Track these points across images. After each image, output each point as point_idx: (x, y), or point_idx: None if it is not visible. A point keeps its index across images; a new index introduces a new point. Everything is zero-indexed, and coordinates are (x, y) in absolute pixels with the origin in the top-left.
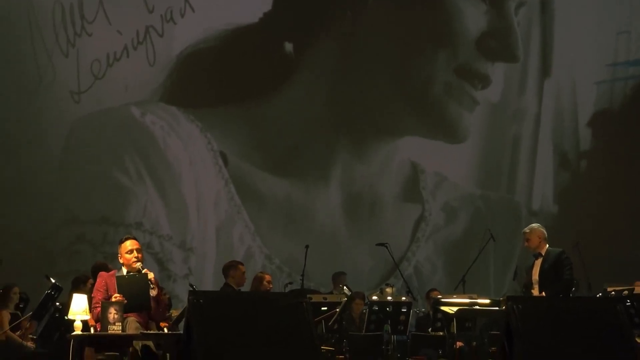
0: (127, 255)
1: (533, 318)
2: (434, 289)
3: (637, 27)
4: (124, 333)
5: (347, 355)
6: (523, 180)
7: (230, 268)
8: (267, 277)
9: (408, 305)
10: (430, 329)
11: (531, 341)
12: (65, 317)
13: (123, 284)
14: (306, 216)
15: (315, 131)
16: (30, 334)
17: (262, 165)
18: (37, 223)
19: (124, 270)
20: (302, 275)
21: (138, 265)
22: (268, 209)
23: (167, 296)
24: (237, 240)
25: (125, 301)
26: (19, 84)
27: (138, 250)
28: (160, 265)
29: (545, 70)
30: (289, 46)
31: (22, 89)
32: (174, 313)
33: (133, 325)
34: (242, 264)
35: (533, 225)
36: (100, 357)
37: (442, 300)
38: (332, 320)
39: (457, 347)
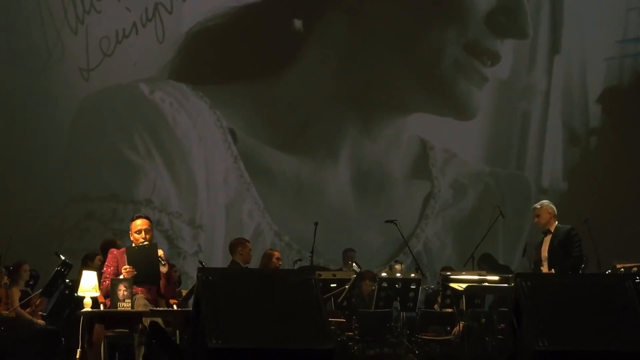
0: (136, 235)
1: (542, 295)
2: (447, 267)
3: None
4: (134, 310)
5: (356, 332)
6: (532, 157)
7: (237, 245)
8: (277, 254)
9: (417, 282)
10: (435, 305)
11: (540, 318)
12: (75, 294)
13: (132, 255)
14: (315, 193)
15: (324, 108)
16: (40, 310)
17: (271, 142)
18: (46, 200)
19: None
20: (312, 252)
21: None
22: (277, 186)
23: (177, 273)
24: (247, 217)
25: (135, 272)
26: (28, 61)
27: (147, 231)
28: (170, 243)
29: (554, 46)
30: (297, 23)
31: (31, 66)
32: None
33: (141, 302)
34: (248, 241)
35: (543, 201)
36: (109, 333)
37: (451, 277)
38: (342, 297)
39: (461, 327)
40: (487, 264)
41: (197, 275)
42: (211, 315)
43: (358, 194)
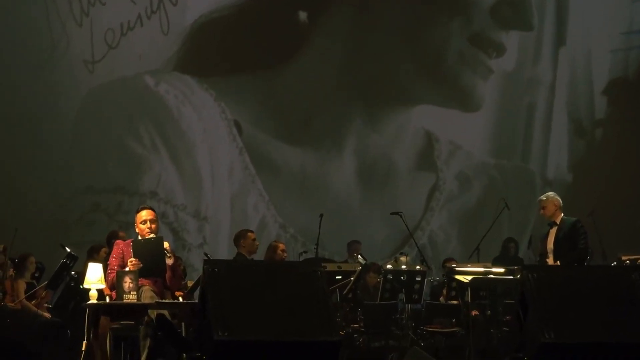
0: (141, 226)
1: (548, 287)
2: (450, 259)
3: None
4: (139, 302)
5: (362, 324)
6: (538, 149)
7: (239, 237)
8: (281, 246)
9: (422, 274)
10: (440, 297)
11: (546, 310)
12: (81, 286)
13: (139, 248)
14: (320, 185)
15: (329, 100)
16: (46, 303)
17: (276, 135)
18: (52, 192)
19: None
20: (317, 244)
21: (151, 236)
22: (282, 178)
23: (182, 267)
24: (252, 209)
25: (141, 265)
26: (33, 53)
27: (152, 221)
28: (175, 235)
29: (560, 38)
30: (302, 15)
31: (36, 59)
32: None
33: (148, 294)
34: (251, 231)
35: (549, 193)
36: (115, 325)
37: (457, 269)
38: (347, 289)
39: (473, 315)
40: (514, 243)
41: (202, 267)
42: (217, 307)
43: (363, 186)
